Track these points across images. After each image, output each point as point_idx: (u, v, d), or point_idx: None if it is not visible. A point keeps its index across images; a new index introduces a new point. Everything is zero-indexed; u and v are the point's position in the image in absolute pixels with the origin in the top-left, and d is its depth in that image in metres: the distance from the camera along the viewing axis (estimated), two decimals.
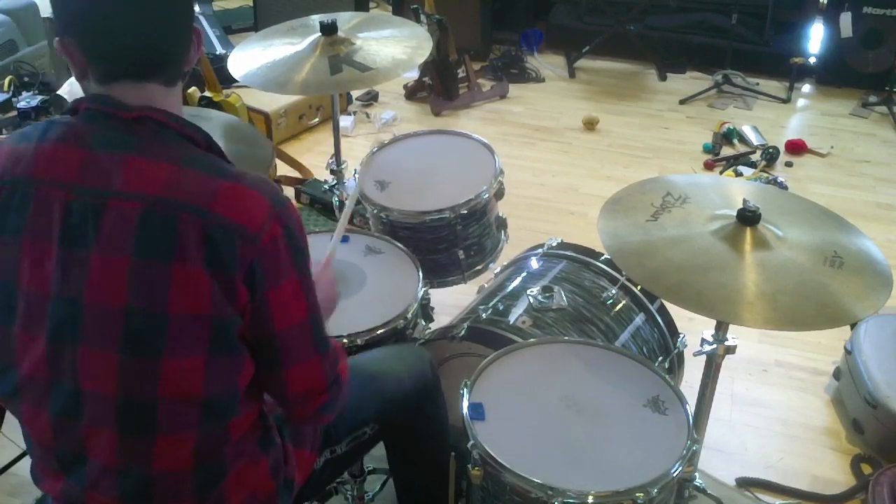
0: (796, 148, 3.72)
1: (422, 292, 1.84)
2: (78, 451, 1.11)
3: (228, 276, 1.04)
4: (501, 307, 1.91)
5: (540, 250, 2.13)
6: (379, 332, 1.72)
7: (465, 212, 2.09)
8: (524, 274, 2.06)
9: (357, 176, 2.25)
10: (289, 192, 3.28)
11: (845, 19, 4.08)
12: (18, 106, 3.85)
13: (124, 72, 1.08)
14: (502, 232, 2.31)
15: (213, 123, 2.13)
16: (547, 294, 1.91)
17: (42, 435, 1.13)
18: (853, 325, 2.32)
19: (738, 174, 3.53)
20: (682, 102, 4.20)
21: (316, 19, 2.15)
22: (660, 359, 1.95)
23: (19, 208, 1.06)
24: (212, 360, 1.07)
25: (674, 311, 2.03)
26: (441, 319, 2.10)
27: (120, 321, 1.04)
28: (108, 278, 1.04)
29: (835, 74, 4.27)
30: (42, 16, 4.18)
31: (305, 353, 1.16)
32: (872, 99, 4.13)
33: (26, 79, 4.17)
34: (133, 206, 1.03)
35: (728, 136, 3.80)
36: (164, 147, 1.08)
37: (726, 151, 3.73)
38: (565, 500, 1.34)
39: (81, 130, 1.08)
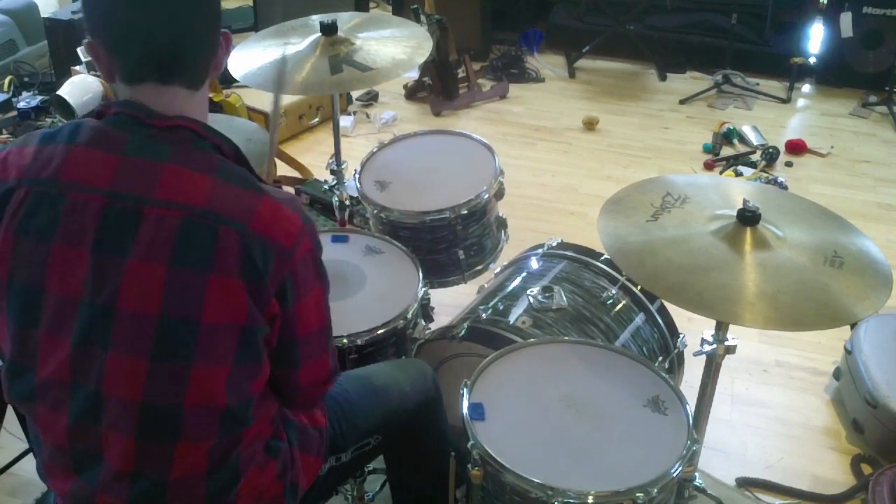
0: (796, 148, 3.72)
1: (422, 292, 1.84)
2: (94, 453, 1.11)
3: (263, 289, 1.07)
4: (501, 307, 1.91)
5: (540, 250, 2.13)
6: (379, 332, 1.72)
7: (465, 212, 2.09)
8: (524, 274, 2.06)
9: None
10: (288, 191, 3.27)
11: (845, 19, 4.08)
12: (18, 106, 3.86)
13: (148, 73, 1.08)
14: (502, 232, 2.31)
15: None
16: (547, 294, 1.91)
17: (57, 437, 1.13)
18: (853, 325, 2.32)
19: (738, 174, 3.53)
20: (682, 102, 4.20)
21: (316, 19, 2.15)
22: (660, 359, 1.95)
23: (48, 212, 1.06)
24: (235, 369, 1.10)
25: (674, 311, 2.03)
26: (441, 319, 2.10)
27: (152, 327, 1.05)
28: (143, 285, 1.05)
29: (835, 74, 4.27)
30: (42, 16, 4.17)
31: (319, 351, 1.23)
32: (872, 99, 4.13)
33: (26, 79, 4.18)
34: (173, 215, 1.04)
35: (728, 136, 3.80)
36: (198, 157, 1.09)
37: (726, 151, 3.73)
38: (565, 500, 1.34)
39: (113, 135, 1.08)
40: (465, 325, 1.81)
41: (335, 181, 2.37)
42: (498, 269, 2.20)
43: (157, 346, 1.06)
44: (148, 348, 1.06)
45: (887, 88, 4.07)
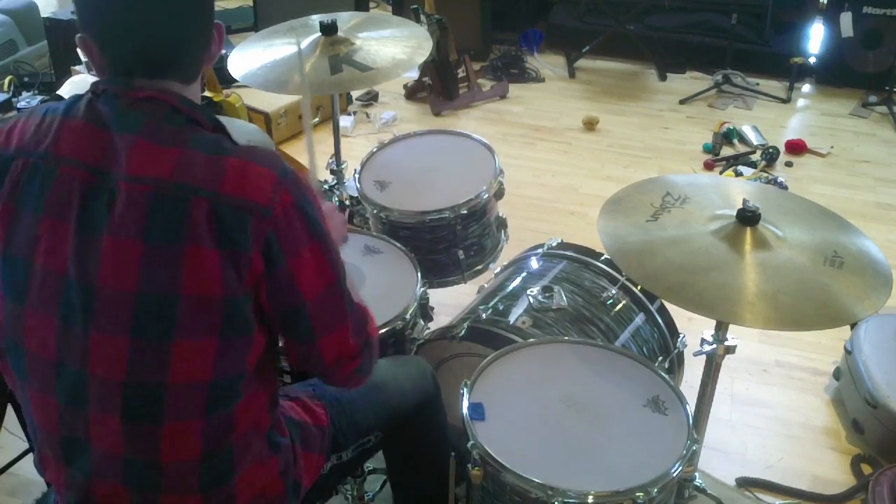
0: (796, 148, 3.72)
1: (420, 292, 1.84)
2: (82, 438, 1.11)
3: (242, 255, 1.05)
4: (501, 307, 1.91)
5: (540, 250, 2.13)
6: (378, 332, 1.72)
7: (465, 212, 2.09)
8: (524, 274, 2.06)
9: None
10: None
11: (845, 19, 4.08)
12: (18, 106, 3.85)
13: (137, 69, 1.08)
14: (502, 232, 2.31)
15: None
16: (547, 294, 1.91)
17: (48, 420, 1.13)
18: (853, 325, 2.32)
19: (738, 174, 3.53)
20: (682, 102, 4.20)
21: (316, 19, 2.15)
22: (660, 359, 1.95)
23: (41, 185, 1.06)
24: (224, 342, 1.08)
25: (674, 311, 2.03)
26: (441, 319, 2.10)
27: (132, 304, 1.05)
28: (119, 262, 1.04)
29: (835, 74, 4.27)
30: (42, 16, 4.17)
31: (335, 321, 1.16)
32: (872, 99, 4.13)
33: (26, 79, 4.18)
34: (143, 190, 1.04)
35: (728, 136, 3.80)
36: (171, 130, 1.08)
37: (726, 151, 3.73)
38: (565, 500, 1.34)
39: (101, 111, 1.08)
40: (465, 325, 1.81)
41: (335, 181, 2.37)
42: (498, 269, 2.20)
43: (138, 323, 1.05)
44: (128, 325, 1.05)
45: (887, 88, 4.06)
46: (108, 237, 1.04)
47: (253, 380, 1.15)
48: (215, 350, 1.08)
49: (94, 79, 1.12)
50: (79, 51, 1.14)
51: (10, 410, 1.77)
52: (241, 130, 2.25)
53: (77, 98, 1.11)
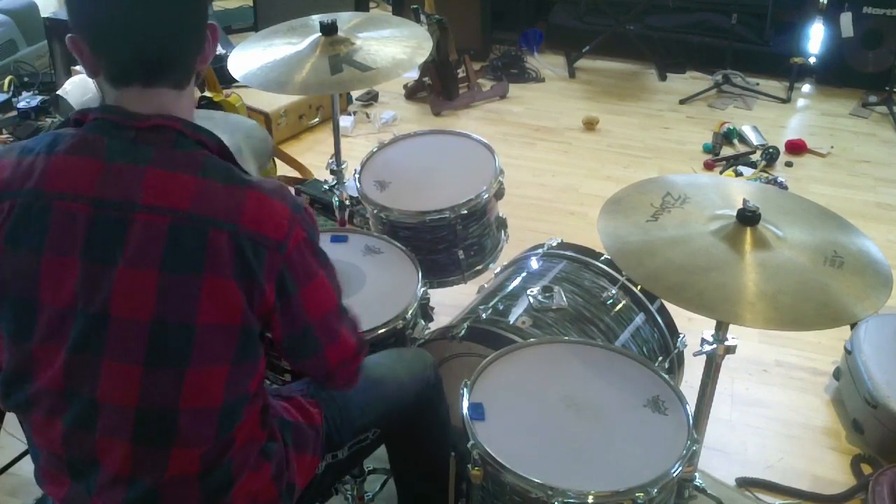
0: (796, 148, 3.72)
1: (421, 292, 1.84)
2: (89, 460, 1.11)
3: (257, 286, 1.07)
4: (501, 307, 1.91)
5: (540, 250, 2.13)
6: (378, 332, 1.72)
7: (465, 212, 2.09)
8: (524, 274, 2.06)
9: None
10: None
11: (845, 19, 4.08)
12: (18, 106, 3.85)
13: (134, 76, 1.07)
14: (502, 232, 2.31)
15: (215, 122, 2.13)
16: (547, 294, 1.91)
17: (52, 443, 1.13)
18: (853, 325, 2.32)
19: (738, 174, 3.53)
20: (682, 102, 4.20)
21: (316, 19, 2.15)
22: (660, 359, 1.95)
23: (35, 223, 1.05)
24: (234, 368, 1.10)
25: (674, 311, 2.03)
26: (441, 319, 2.10)
27: (145, 333, 1.05)
28: (134, 291, 1.04)
29: (835, 74, 4.27)
30: (42, 16, 4.17)
31: (336, 329, 1.22)
32: (872, 99, 4.13)
33: (26, 79, 4.18)
34: (160, 220, 1.04)
35: (728, 136, 3.80)
36: (181, 157, 1.08)
37: (726, 151, 3.73)
38: (565, 500, 1.34)
39: (94, 141, 1.07)
40: (465, 325, 1.81)
41: (335, 181, 2.37)
42: (498, 269, 2.20)
43: (151, 352, 1.05)
44: (142, 354, 1.05)
45: (887, 88, 4.06)
46: (122, 267, 1.04)
47: (250, 402, 1.17)
48: (226, 376, 1.09)
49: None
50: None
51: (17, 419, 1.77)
52: (240, 126, 2.25)
53: (55, 135, 1.09)
